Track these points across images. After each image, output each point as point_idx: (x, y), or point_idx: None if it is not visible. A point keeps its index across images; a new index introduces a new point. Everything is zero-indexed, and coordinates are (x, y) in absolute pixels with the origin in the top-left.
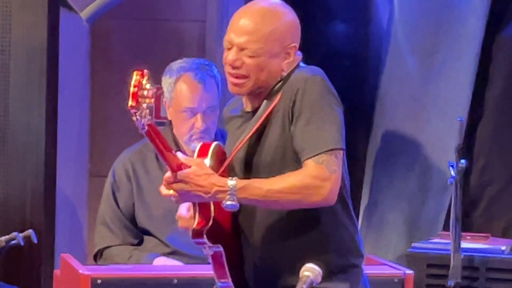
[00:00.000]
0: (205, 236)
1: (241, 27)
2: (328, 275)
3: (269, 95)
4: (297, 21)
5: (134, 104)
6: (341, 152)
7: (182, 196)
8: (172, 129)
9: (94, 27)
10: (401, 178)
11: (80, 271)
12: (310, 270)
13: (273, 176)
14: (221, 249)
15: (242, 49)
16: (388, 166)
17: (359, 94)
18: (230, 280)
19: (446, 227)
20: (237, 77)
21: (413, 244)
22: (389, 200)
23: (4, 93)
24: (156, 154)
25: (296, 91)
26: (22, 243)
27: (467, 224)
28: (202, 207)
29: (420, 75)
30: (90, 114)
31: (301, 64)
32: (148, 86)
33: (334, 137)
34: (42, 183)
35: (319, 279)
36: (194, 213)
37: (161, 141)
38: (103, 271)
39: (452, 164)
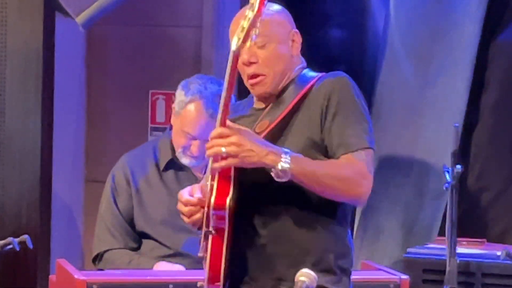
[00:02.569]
0: (227, 202)
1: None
2: (328, 275)
3: (285, 90)
4: (286, 10)
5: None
6: (373, 153)
7: (235, 151)
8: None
9: (90, 32)
10: (397, 183)
11: (76, 276)
12: (305, 276)
13: None
14: (227, 227)
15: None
16: (384, 172)
17: None
18: (221, 281)
19: (442, 233)
20: (255, 77)
21: (409, 250)
22: (385, 205)
23: (0, 98)
24: (155, 158)
25: (332, 90)
26: (17, 249)
27: (463, 230)
28: (221, 182)
29: (416, 81)
30: (86, 120)
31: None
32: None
33: (370, 137)
34: (38, 188)
35: (314, 284)
36: (211, 187)
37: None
38: (98, 276)
39: (448, 170)
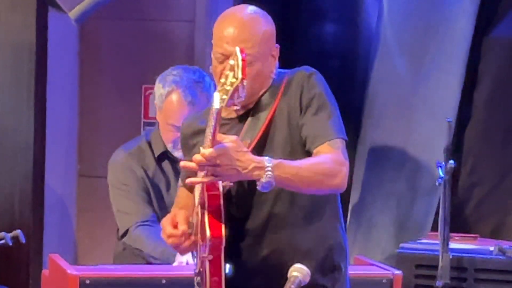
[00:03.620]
0: (223, 232)
1: (235, 36)
2: (329, 271)
3: (261, 98)
4: (273, 24)
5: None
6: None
7: (220, 170)
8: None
9: (83, 27)
10: (390, 179)
11: (68, 271)
12: (298, 271)
13: None
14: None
15: None
16: (377, 167)
17: (348, 95)
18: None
19: (434, 228)
20: None
21: (402, 245)
22: (378, 200)
23: None
24: (151, 150)
25: (302, 86)
26: (10, 243)
27: (455, 225)
28: (210, 215)
29: (409, 76)
30: (79, 114)
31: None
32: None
33: (342, 128)
34: (31, 183)
35: (307, 279)
36: (202, 219)
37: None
38: (91, 271)
39: (440, 165)
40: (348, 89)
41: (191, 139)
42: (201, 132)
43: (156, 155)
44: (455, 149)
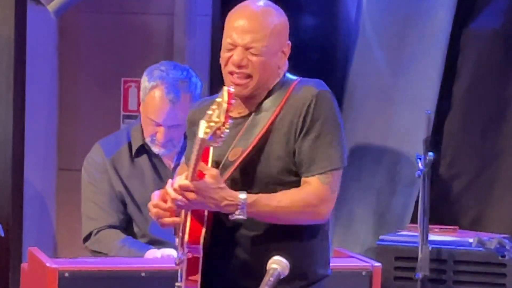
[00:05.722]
0: (201, 240)
1: (244, 27)
2: (309, 284)
3: (264, 101)
4: (287, 20)
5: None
6: (342, 170)
7: (192, 204)
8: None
9: (62, 20)
10: (369, 171)
11: (48, 264)
12: (277, 263)
13: (280, 188)
14: (201, 255)
15: (247, 48)
16: (356, 159)
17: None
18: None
19: (414, 220)
20: (241, 77)
21: (381, 237)
22: (357, 193)
23: None
24: (128, 144)
25: (308, 105)
26: None
27: (435, 217)
28: (194, 220)
29: (388, 68)
30: (58, 108)
31: (288, 74)
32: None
33: (341, 156)
34: (10, 176)
35: (286, 271)
36: (185, 217)
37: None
38: (70, 264)
39: (420, 157)
40: (327, 81)
41: (194, 126)
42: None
43: (134, 150)
44: (435, 141)
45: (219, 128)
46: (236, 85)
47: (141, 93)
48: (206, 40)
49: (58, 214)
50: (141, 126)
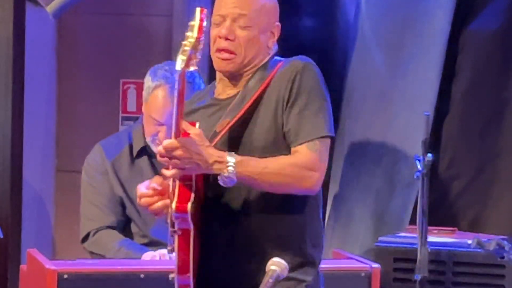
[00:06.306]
0: (189, 206)
1: (234, 1)
2: (301, 264)
3: (250, 80)
4: (277, 4)
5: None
6: (330, 140)
7: (181, 163)
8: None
9: (60, 21)
10: (368, 172)
11: (47, 266)
12: (276, 264)
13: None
14: (192, 227)
15: (235, 20)
16: (355, 161)
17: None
18: (191, 272)
19: (413, 221)
20: (228, 52)
21: (380, 238)
22: (356, 194)
23: None
24: (129, 145)
25: (294, 76)
26: None
27: (434, 218)
28: (182, 187)
29: (387, 69)
30: (57, 109)
31: (276, 57)
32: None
33: (328, 125)
34: (9, 178)
35: (286, 273)
36: (173, 190)
37: (181, 101)
38: (69, 266)
39: (419, 158)
40: (326, 82)
41: (186, 117)
42: (195, 111)
43: (135, 152)
44: (433, 143)
45: (194, 47)
46: (223, 60)
47: (144, 92)
48: (205, 41)
49: (57, 216)
50: (143, 128)
